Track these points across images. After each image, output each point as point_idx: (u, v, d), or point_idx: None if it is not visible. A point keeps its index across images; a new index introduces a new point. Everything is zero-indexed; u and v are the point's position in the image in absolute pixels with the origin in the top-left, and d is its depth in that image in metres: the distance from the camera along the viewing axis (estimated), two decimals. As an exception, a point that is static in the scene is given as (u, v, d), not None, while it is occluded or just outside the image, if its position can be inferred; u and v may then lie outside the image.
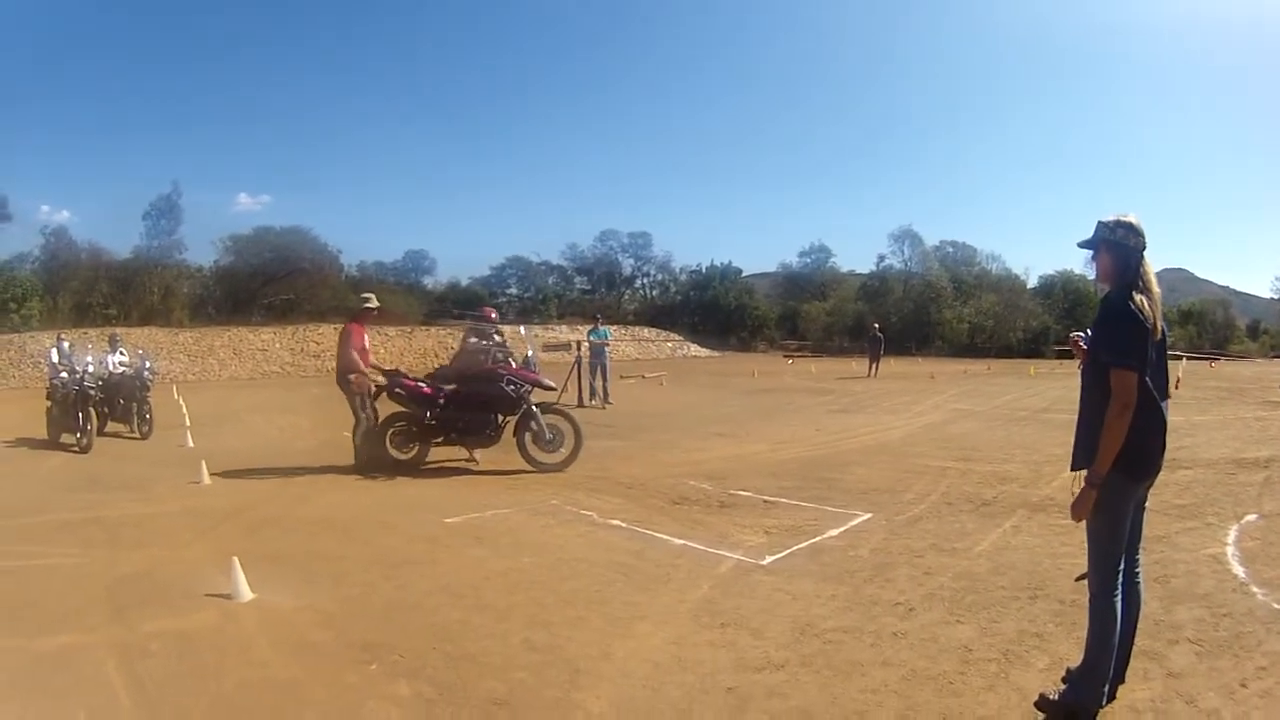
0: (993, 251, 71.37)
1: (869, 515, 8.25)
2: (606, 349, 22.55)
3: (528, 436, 11.64)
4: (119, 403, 17.43)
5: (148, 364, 18.21)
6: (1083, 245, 4.14)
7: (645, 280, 75.60)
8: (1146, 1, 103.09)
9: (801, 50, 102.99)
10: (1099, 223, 4.06)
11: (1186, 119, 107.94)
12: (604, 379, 21.77)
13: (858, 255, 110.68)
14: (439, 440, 11.95)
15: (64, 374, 16.15)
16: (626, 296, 74.08)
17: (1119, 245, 4.00)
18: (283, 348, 44.24)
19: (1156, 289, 3.97)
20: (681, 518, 8.40)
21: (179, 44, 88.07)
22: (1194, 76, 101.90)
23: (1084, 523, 3.95)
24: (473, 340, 12.02)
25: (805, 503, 8.95)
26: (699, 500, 9.23)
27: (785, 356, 55.87)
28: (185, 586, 6.44)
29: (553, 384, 12.43)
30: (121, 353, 18.54)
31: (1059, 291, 64.10)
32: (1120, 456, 3.79)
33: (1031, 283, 68.51)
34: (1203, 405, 19.34)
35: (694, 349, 59.95)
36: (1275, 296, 73.54)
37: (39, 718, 4.33)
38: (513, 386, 11.59)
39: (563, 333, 48.06)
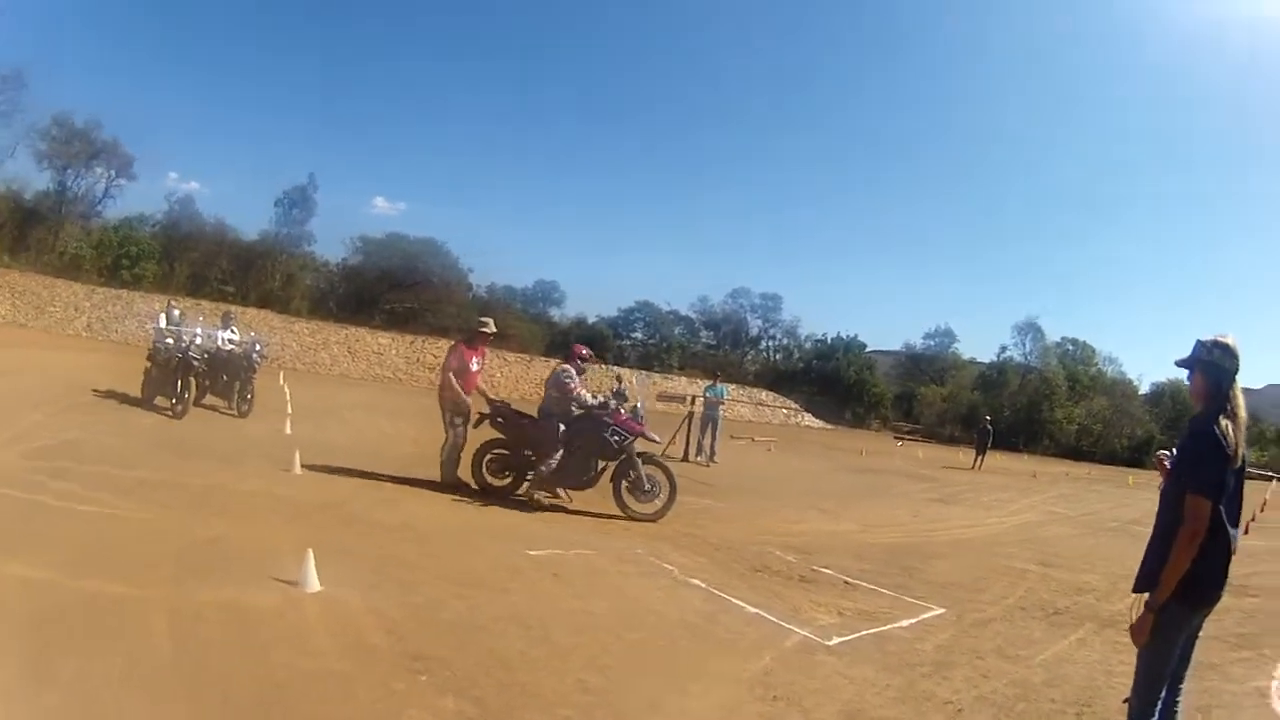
0: (1110, 353, 69.44)
1: (943, 610, 8.27)
2: (721, 407, 22.77)
3: (624, 484, 11.74)
4: (222, 378, 17.80)
5: (258, 346, 18.62)
6: (1180, 364, 4.20)
7: (770, 343, 75.04)
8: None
9: (947, 136, 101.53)
10: (1197, 342, 4.12)
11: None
12: (713, 437, 21.83)
13: (981, 342, 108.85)
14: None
15: (169, 339, 16.66)
16: (749, 357, 73.49)
17: (1214, 366, 4.05)
18: (399, 355, 45.11)
19: (1243, 414, 4.00)
20: (760, 586, 8.49)
21: (337, 38, 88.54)
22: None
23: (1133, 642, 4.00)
24: (563, 378, 11.86)
25: (884, 589, 8.98)
26: (781, 571, 9.31)
27: (896, 438, 55.40)
28: (254, 566, 6.69)
29: (656, 437, 12.50)
30: (233, 330, 18.92)
31: (1168, 400, 62.11)
32: (1180, 584, 3.83)
33: (1143, 389, 66.76)
34: (1288, 530, 18.62)
35: (808, 419, 59.50)
36: (1378, 415, 69.76)
37: (77, 651, 4.61)
38: (617, 437, 11.64)
39: (681, 384, 48.26)
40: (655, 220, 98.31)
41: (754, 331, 74.20)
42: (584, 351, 12.59)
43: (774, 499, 16.19)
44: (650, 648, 6.13)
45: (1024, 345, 69.33)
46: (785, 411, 58.98)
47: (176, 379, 15.87)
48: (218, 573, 6.42)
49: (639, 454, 11.92)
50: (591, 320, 67.71)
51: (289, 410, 18.96)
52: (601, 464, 11.95)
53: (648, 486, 11.75)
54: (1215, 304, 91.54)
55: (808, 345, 73.15)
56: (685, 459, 20.46)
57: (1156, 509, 4.17)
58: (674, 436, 19.89)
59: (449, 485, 11.96)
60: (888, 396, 68.85)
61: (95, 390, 17.25)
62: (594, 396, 12.04)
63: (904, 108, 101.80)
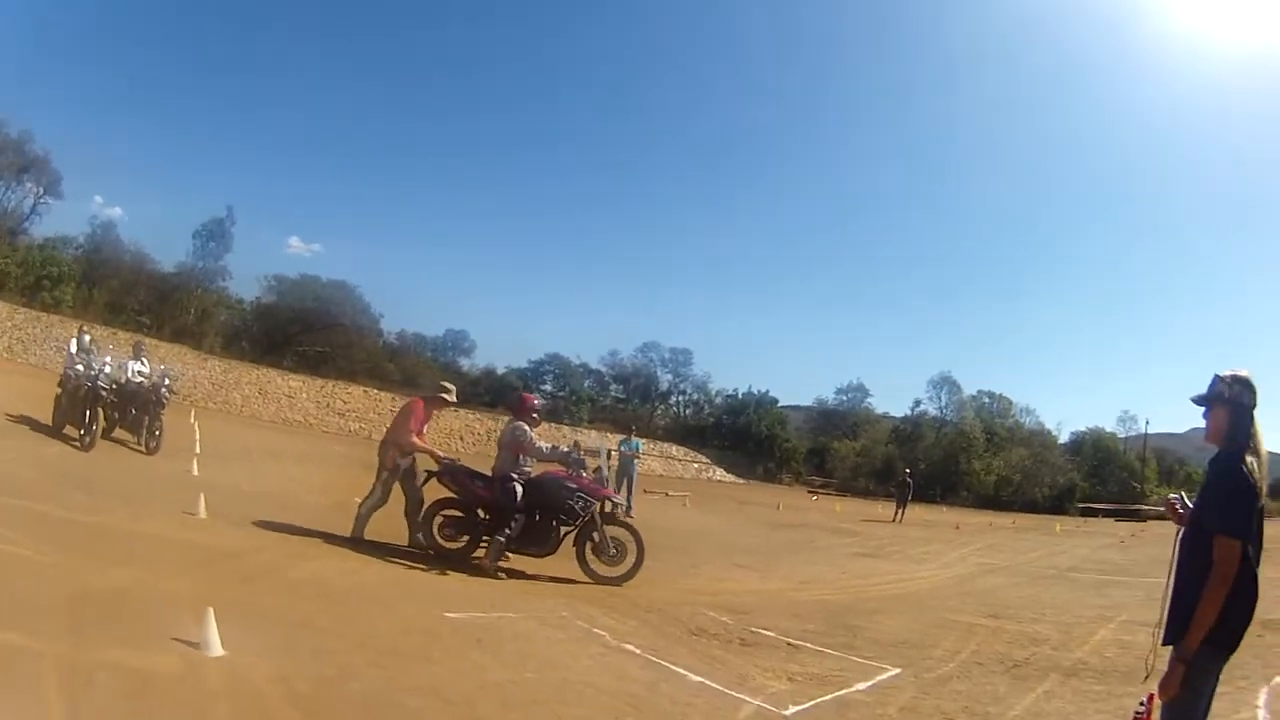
0: (1028, 405, 71.54)
1: (898, 670, 7.75)
2: (636, 461, 22.51)
3: (588, 547, 11.20)
4: (130, 411, 17.54)
5: (167, 380, 18.22)
6: (1197, 401, 4.00)
7: (680, 398, 75.05)
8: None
9: (862, 196, 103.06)
10: (1216, 377, 3.96)
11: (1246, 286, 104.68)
12: (629, 491, 21.25)
13: (894, 398, 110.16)
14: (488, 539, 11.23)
15: (79, 367, 16.38)
16: (660, 411, 73.39)
17: (1234, 403, 3.87)
18: (309, 399, 44.12)
19: (1264, 451, 3.81)
20: (700, 651, 7.89)
21: (267, 64, 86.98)
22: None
23: (1158, 696, 3.76)
24: (518, 434, 11.33)
25: (831, 650, 8.43)
26: (719, 634, 8.71)
27: (809, 492, 55.67)
28: (153, 622, 6.09)
29: (620, 499, 11.89)
30: (143, 362, 18.56)
31: (1088, 449, 64.88)
32: (1213, 629, 3.58)
33: (1063, 438, 68.95)
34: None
35: (720, 473, 59.38)
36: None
37: None
38: (581, 502, 11.08)
39: (592, 439, 47.65)
40: (567, 272, 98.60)
41: (664, 386, 74.15)
42: (535, 403, 12.13)
43: (697, 555, 15.68)
44: (590, 726, 5.46)
45: (939, 399, 70.74)
46: (696, 466, 58.75)
47: (84, 409, 15.54)
48: (115, 628, 5.81)
49: (601, 514, 11.37)
50: (501, 371, 67.10)
51: (198, 450, 18.45)
52: (563, 530, 11.28)
53: (613, 550, 11.24)
54: (1141, 351, 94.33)
55: (718, 400, 73.36)
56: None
57: (1175, 556, 3.91)
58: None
59: (359, 539, 11.19)
60: (800, 451, 69.22)
61: (8, 415, 17.04)
62: (552, 446, 11.71)
63: (822, 170, 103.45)
